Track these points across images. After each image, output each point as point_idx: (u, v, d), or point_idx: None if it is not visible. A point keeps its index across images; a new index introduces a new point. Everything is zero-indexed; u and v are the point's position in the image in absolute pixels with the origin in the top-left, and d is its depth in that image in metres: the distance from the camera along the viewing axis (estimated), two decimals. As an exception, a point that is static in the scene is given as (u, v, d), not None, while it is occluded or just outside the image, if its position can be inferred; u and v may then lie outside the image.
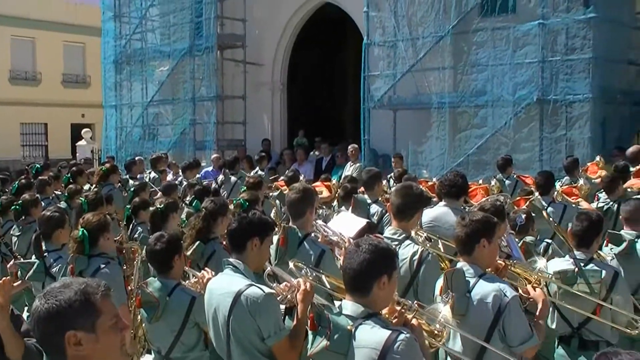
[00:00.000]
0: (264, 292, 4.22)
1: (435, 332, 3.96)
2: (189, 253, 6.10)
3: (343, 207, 9.41)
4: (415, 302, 4.02)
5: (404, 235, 5.43)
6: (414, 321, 3.78)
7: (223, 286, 4.41)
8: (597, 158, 11.41)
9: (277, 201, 10.40)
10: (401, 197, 5.57)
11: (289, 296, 4.23)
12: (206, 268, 5.38)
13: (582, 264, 5.65)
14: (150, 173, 15.05)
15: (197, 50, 19.59)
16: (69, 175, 12.28)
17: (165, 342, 5.17)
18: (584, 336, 5.60)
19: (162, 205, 7.35)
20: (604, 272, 5.57)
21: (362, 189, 9.50)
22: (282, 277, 4.33)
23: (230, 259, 4.52)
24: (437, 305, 4.22)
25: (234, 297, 4.25)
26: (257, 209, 7.66)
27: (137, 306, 5.40)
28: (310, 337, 3.61)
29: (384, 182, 10.97)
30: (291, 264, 4.48)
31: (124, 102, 21.98)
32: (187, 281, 5.30)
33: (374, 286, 3.56)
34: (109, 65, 22.15)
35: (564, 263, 5.76)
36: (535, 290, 4.96)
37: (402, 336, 3.41)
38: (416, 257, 5.28)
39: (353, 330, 3.48)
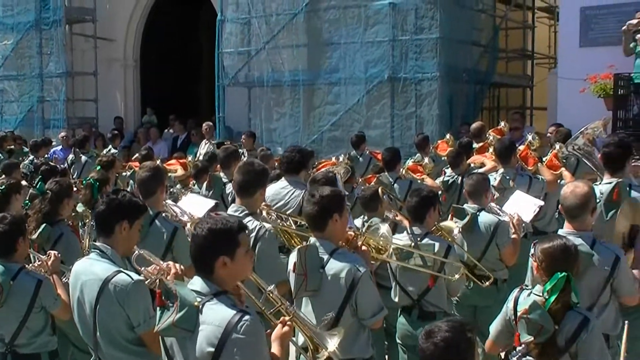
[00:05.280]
0: (132, 279, 4.13)
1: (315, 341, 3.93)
2: (34, 237, 5.86)
3: (196, 186, 9.36)
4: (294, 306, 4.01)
5: (245, 212, 5.43)
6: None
7: (89, 271, 4.26)
8: (447, 136, 11.81)
9: (131, 181, 10.21)
10: (242, 175, 5.59)
11: (157, 280, 4.12)
12: (51, 251, 5.24)
13: (417, 239, 5.88)
14: (-5, 153, 14.35)
15: (43, 24, 18.72)
16: None
17: (9, 328, 4.96)
18: (424, 307, 5.85)
19: (3, 187, 7.00)
20: (437, 245, 5.81)
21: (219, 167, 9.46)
22: (151, 260, 4.21)
23: (97, 243, 4.37)
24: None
25: (100, 285, 4.13)
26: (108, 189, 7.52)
27: (-23, 293, 5.17)
28: (158, 313, 3.54)
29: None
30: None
31: (-36, 78, 20.78)
32: (31, 264, 5.13)
33: (215, 267, 3.53)
34: (-57, 38, 20.82)
35: (402, 239, 5.98)
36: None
37: (246, 317, 3.40)
38: (253, 234, 5.26)
39: (200, 307, 3.46)
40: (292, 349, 5.71)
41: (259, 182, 5.60)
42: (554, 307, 4.03)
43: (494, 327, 4.60)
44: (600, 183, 6.41)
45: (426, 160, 10.57)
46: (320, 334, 3.92)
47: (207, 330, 3.42)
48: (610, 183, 6.24)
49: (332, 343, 3.85)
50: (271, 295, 3.86)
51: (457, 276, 5.74)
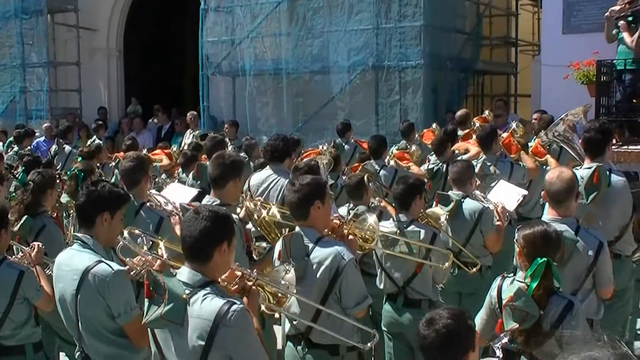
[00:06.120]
0: (112, 269, 4.10)
1: (279, 295, 4.00)
2: (16, 229, 5.82)
3: (184, 175, 9.36)
4: (255, 270, 4.04)
5: (218, 202, 5.40)
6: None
7: (71, 262, 4.24)
8: (433, 125, 11.81)
9: (116, 171, 10.17)
10: (213, 167, 5.64)
11: (143, 271, 4.12)
12: (34, 242, 5.21)
13: (403, 226, 5.91)
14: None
15: (24, 13, 18.53)
16: None
17: (-9, 321, 4.94)
18: (409, 294, 5.88)
19: (-16, 179, 6.96)
20: (422, 232, 5.85)
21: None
22: (137, 252, 4.20)
23: (79, 234, 4.35)
24: (278, 271, 4.24)
25: (81, 275, 4.10)
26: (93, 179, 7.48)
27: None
28: (145, 305, 3.52)
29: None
30: (125, 232, 4.38)
31: (-57, 68, 20.56)
32: (14, 256, 5.10)
33: (215, 253, 3.52)
34: None
35: (387, 226, 6.00)
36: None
37: (234, 307, 3.38)
38: None
39: (188, 298, 3.44)
40: (279, 340, 5.74)
41: (230, 174, 5.60)
42: (536, 293, 4.05)
43: (480, 318, 4.60)
44: (580, 168, 6.44)
45: (413, 147, 10.60)
46: (278, 277, 4.03)
47: (196, 323, 3.41)
48: (590, 168, 6.27)
49: (289, 276, 4.02)
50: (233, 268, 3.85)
51: (447, 264, 5.78)
